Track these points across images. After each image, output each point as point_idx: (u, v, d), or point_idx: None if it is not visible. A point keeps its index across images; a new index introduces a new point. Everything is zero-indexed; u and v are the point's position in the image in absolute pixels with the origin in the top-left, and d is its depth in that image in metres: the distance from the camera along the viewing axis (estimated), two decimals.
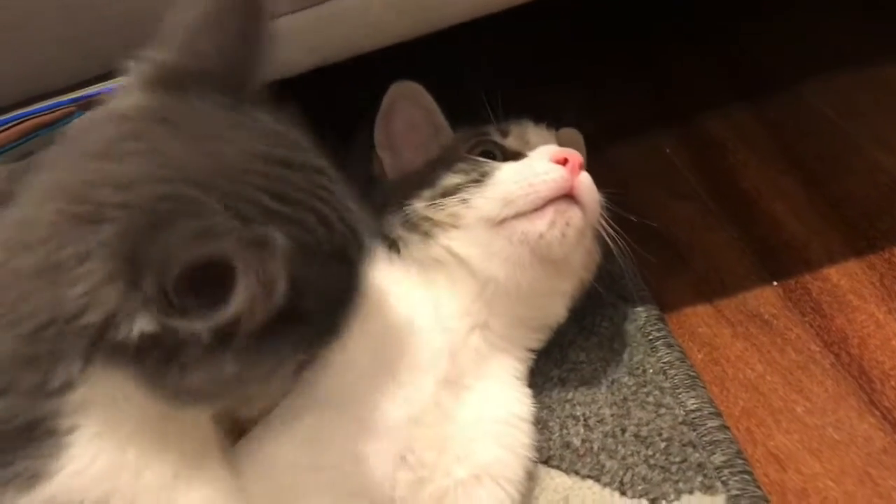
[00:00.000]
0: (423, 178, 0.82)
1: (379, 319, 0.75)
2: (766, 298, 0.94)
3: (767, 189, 1.07)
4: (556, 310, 0.84)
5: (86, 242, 0.48)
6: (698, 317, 0.93)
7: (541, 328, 0.84)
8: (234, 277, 0.44)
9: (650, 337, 0.89)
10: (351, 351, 0.69)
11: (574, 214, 0.76)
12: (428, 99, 0.89)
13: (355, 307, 0.57)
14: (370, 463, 0.67)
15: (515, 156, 0.82)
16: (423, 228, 0.79)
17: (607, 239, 0.81)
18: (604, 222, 0.80)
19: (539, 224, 0.75)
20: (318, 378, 0.69)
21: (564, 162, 0.77)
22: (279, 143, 0.55)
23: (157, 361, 0.49)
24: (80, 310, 0.48)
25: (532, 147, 0.83)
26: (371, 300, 0.76)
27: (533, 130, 0.86)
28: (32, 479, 0.51)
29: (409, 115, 0.89)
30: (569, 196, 0.76)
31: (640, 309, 0.92)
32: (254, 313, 0.47)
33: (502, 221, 0.76)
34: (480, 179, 0.78)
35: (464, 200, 0.77)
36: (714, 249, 1.01)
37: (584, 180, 0.78)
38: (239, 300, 0.45)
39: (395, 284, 0.78)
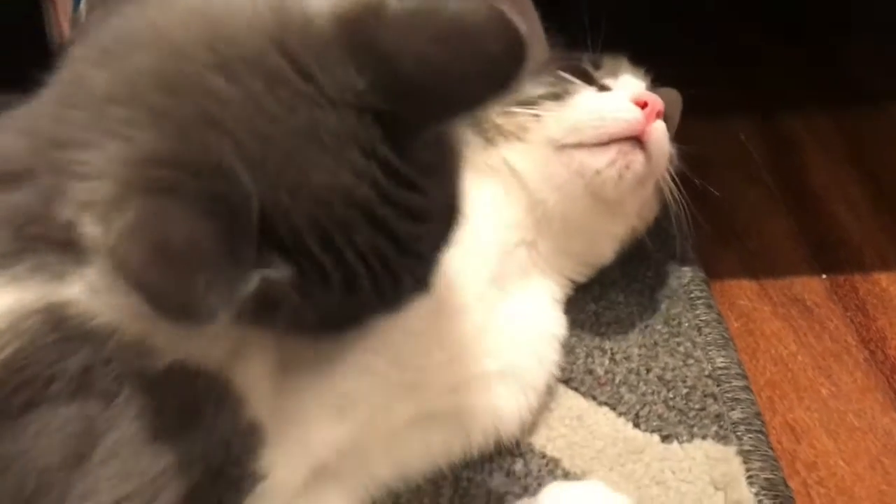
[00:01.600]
0: None
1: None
2: (812, 287, 0.94)
3: (835, 192, 1.07)
4: (603, 250, 0.85)
5: None
6: (742, 290, 0.94)
7: (585, 264, 0.85)
8: None
9: (692, 295, 0.89)
10: None
11: (636, 159, 0.76)
12: (530, 6, 0.88)
13: None
14: (411, 334, 0.68)
15: (602, 89, 0.82)
16: (488, 134, 0.80)
17: (668, 195, 0.81)
18: (668, 178, 0.81)
19: (599, 159, 0.75)
20: None
21: (644, 105, 0.76)
22: None
23: None
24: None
25: (620, 83, 0.83)
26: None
27: (627, 68, 0.86)
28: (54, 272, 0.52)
29: None
30: (637, 140, 0.76)
31: (686, 269, 0.92)
32: None
33: (565, 147, 0.76)
34: (561, 96, 0.78)
35: (536, 116, 0.78)
36: (770, 233, 1.01)
37: (658, 129, 0.77)
38: None
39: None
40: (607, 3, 1.25)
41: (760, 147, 1.14)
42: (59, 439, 0.50)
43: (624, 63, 0.87)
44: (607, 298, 0.89)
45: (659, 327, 0.86)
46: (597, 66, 0.85)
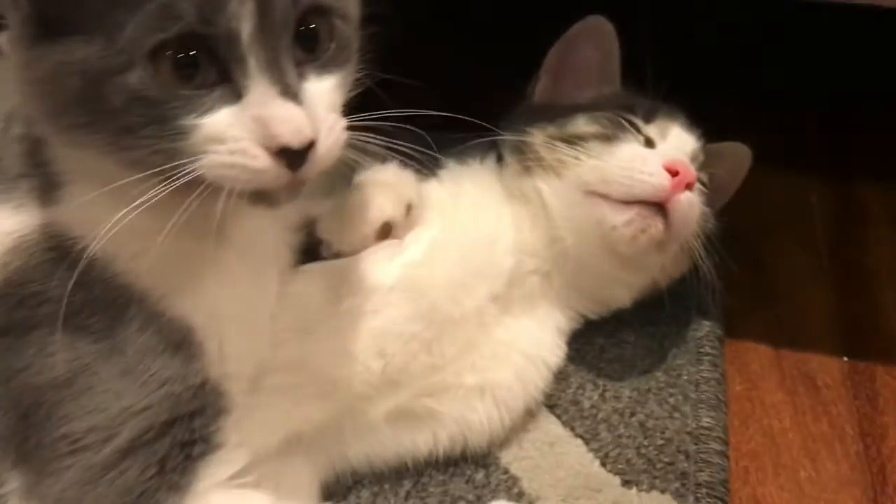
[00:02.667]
0: (557, 115, 0.85)
1: (466, 218, 0.80)
2: (828, 367, 0.93)
3: (889, 276, 1.05)
4: (618, 296, 0.87)
5: None
6: (756, 354, 0.95)
7: (598, 303, 0.87)
8: None
9: (701, 349, 0.91)
10: (439, 231, 0.77)
11: (654, 225, 0.77)
12: (613, 43, 0.90)
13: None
14: (404, 334, 0.73)
15: (648, 142, 0.83)
16: (527, 162, 0.83)
17: (695, 257, 0.82)
18: (698, 243, 0.81)
19: (617, 216, 0.77)
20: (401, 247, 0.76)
21: (675, 174, 0.77)
22: None
23: None
24: None
25: (667, 140, 0.84)
26: (466, 199, 0.82)
27: (677, 130, 0.85)
28: (44, 197, 0.60)
29: (587, 53, 0.90)
30: (660, 206, 0.77)
31: (704, 322, 0.94)
32: None
33: (593, 193, 0.79)
34: (609, 139, 0.81)
35: (577, 156, 0.80)
36: (804, 303, 1.00)
37: (684, 200, 0.78)
38: None
39: (492, 195, 0.83)
40: (703, 45, 1.26)
41: (826, 211, 1.12)
42: (51, 364, 0.58)
43: (679, 119, 0.87)
44: (617, 336, 0.92)
45: (658, 374, 0.88)
46: (648, 119, 0.85)
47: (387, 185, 0.75)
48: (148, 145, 0.52)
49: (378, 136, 0.63)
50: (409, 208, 0.76)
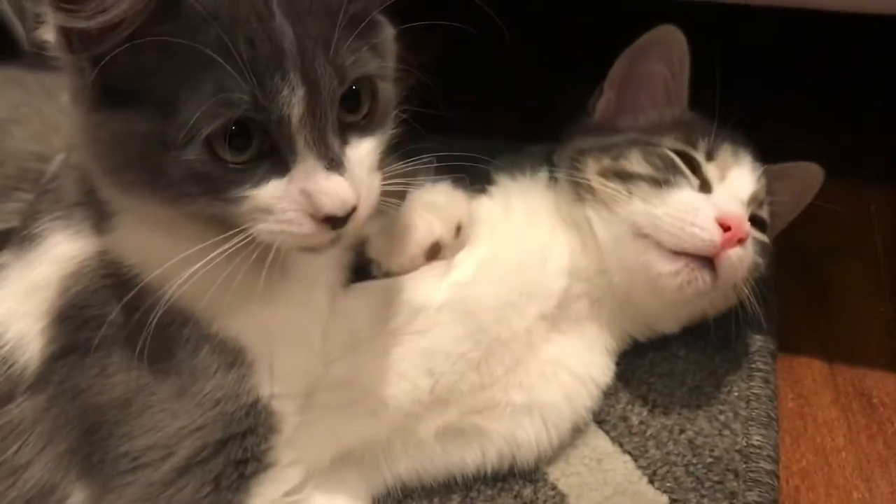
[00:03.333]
0: (614, 144, 0.83)
1: (517, 236, 0.81)
2: (886, 385, 0.92)
3: None
4: (666, 325, 0.87)
5: None
6: (810, 370, 0.93)
7: (647, 329, 0.87)
8: None
9: (752, 365, 0.90)
10: (498, 244, 0.78)
11: (702, 278, 0.76)
12: (684, 57, 0.87)
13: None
14: (453, 353, 0.74)
15: (704, 184, 0.81)
16: (580, 189, 0.82)
17: (745, 299, 0.81)
18: (747, 287, 0.80)
19: (665, 266, 0.76)
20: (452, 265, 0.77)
21: (727, 228, 0.75)
22: None
23: None
24: None
25: (726, 183, 0.81)
26: (517, 216, 0.82)
27: (738, 170, 0.83)
28: (99, 225, 0.63)
29: (655, 66, 0.87)
30: (710, 259, 0.76)
31: (757, 337, 0.93)
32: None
33: (643, 235, 0.78)
34: (660, 184, 0.78)
35: (630, 194, 0.79)
36: (862, 319, 0.99)
37: (734, 256, 0.76)
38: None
39: (544, 212, 0.83)
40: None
41: (888, 223, 1.10)
42: (111, 384, 0.62)
43: (742, 155, 0.84)
44: (668, 350, 0.91)
45: (708, 390, 0.88)
46: (710, 156, 0.83)
47: (436, 205, 0.76)
48: (203, 206, 0.56)
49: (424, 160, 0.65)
50: (458, 229, 0.76)
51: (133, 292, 0.59)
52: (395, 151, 0.65)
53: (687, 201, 0.77)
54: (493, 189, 0.85)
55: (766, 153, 0.86)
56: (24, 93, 0.79)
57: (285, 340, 0.66)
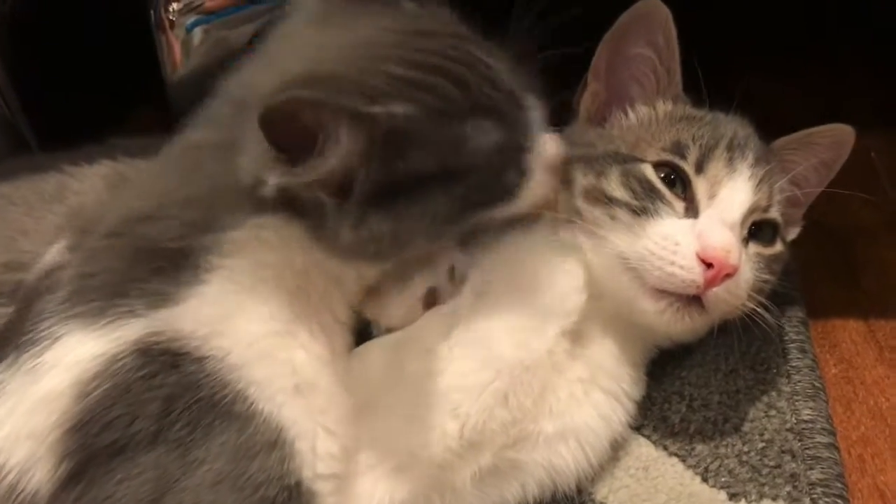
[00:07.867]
0: (598, 157, 0.76)
1: (517, 257, 0.76)
2: None
3: None
4: (680, 340, 0.80)
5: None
6: (846, 331, 0.89)
7: (666, 342, 0.80)
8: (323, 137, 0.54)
9: (785, 337, 0.85)
10: (499, 271, 0.72)
11: (688, 315, 0.70)
12: (670, 31, 0.76)
13: (525, 167, 0.61)
14: (474, 387, 0.69)
15: (690, 206, 0.72)
16: (569, 210, 0.75)
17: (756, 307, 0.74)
18: (753, 303, 0.73)
19: (648, 305, 0.71)
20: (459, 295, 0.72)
21: (710, 265, 0.68)
22: (418, 18, 0.61)
23: (312, 216, 0.59)
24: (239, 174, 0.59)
25: (716, 202, 0.72)
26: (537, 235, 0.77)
27: (731, 180, 0.73)
28: (162, 299, 0.58)
29: (639, 48, 0.78)
30: (696, 296, 0.70)
31: (784, 306, 0.88)
32: (356, 169, 0.55)
33: (631, 269, 0.71)
34: (638, 214, 0.71)
35: (613, 218, 0.72)
36: (889, 267, 0.94)
37: (720, 292, 0.69)
38: (329, 156, 0.54)
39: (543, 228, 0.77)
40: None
41: (891, 167, 1.05)
42: (138, 485, 0.56)
43: (737, 164, 0.74)
44: None
45: (744, 373, 0.83)
46: (699, 169, 0.73)
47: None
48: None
49: None
50: (451, 270, 0.72)
51: (188, 370, 0.56)
52: None
53: (667, 234, 0.70)
54: None
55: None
56: None
57: (327, 414, 0.62)
